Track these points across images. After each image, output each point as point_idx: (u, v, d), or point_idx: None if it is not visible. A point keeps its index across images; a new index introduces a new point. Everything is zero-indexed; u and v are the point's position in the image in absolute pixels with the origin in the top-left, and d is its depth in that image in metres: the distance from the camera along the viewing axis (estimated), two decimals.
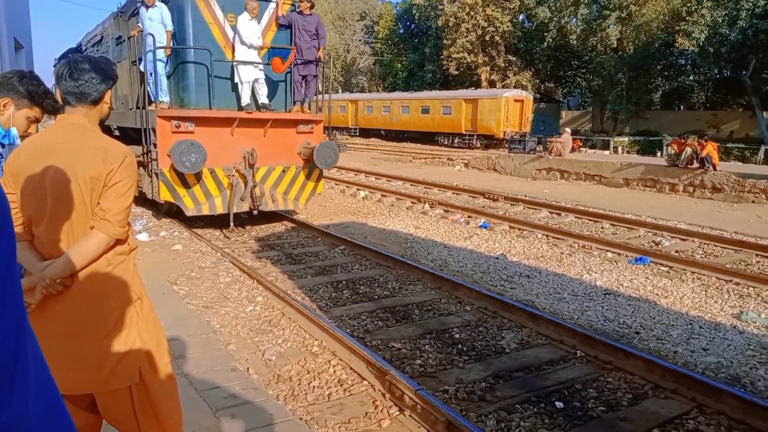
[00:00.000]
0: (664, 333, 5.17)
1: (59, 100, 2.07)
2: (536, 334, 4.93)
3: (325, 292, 6.16)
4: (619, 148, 26.95)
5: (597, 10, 32.95)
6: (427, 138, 32.76)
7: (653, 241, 9.05)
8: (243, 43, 8.41)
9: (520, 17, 39.46)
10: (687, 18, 27.55)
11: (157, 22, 8.16)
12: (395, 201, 12.53)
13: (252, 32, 8.45)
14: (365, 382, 3.98)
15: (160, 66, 8.23)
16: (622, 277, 6.95)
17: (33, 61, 15.13)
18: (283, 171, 9.09)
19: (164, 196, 8.09)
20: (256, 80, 8.68)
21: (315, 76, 9.32)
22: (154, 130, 8.01)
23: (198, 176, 8.14)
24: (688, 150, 14.55)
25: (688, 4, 28.14)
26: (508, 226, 9.88)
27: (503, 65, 38.81)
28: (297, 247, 8.14)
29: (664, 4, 30.80)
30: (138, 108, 8.76)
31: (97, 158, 1.98)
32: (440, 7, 38.64)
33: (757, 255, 8.11)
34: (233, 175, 8.42)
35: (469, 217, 10.74)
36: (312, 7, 9.17)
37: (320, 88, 9.77)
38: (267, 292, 5.91)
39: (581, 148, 23.72)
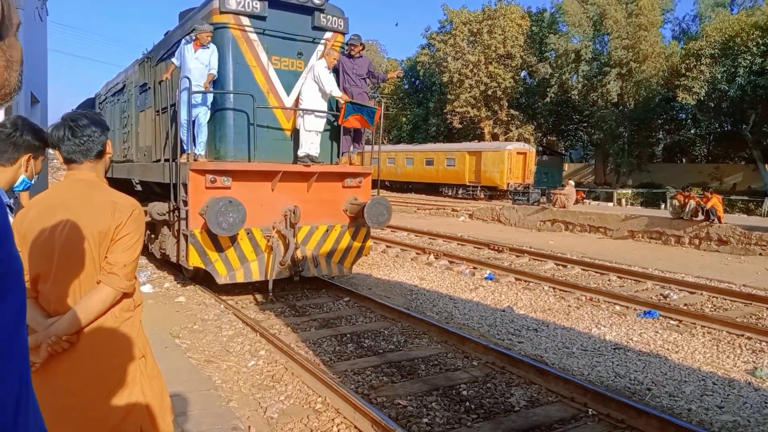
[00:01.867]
0: (677, 389, 5.03)
1: (60, 160, 2.11)
2: (546, 391, 4.80)
3: (329, 345, 6.06)
4: (623, 200, 27.04)
5: (597, 67, 33.83)
6: (432, 189, 33.03)
7: (661, 294, 8.94)
8: (318, 91, 7.73)
9: (522, 74, 40.43)
10: (686, 74, 28.16)
11: (203, 64, 7.28)
12: (400, 252, 12.49)
13: (331, 83, 7.77)
14: None
15: (202, 113, 7.36)
16: (632, 331, 6.83)
17: (47, 114, 15.47)
18: (327, 231, 8.03)
19: (194, 261, 7.08)
20: (315, 131, 7.89)
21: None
22: (184, 185, 7.11)
23: (233, 238, 7.18)
24: (692, 203, 14.58)
25: (687, 61, 28.84)
26: (513, 278, 9.80)
27: (506, 119, 39.51)
28: (301, 298, 8.06)
29: (663, 61, 31.62)
30: (167, 160, 7.83)
31: (105, 212, 1.99)
32: (444, 64, 39.69)
33: None
34: (272, 237, 7.44)
35: (474, 268, 10.68)
36: (362, 49, 8.53)
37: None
38: (270, 345, 5.81)
39: (585, 200, 23.81)
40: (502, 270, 10.37)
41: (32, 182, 2.24)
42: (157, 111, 8.81)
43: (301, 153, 7.76)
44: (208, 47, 7.26)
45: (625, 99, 33.44)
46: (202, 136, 7.38)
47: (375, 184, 8.77)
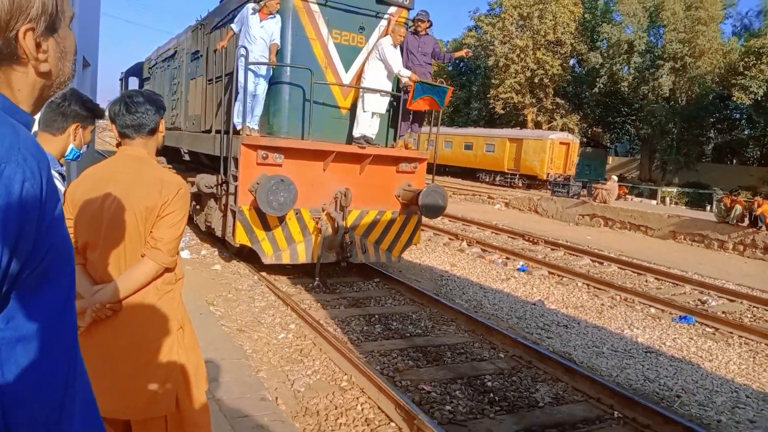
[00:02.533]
0: (708, 399, 4.93)
1: (115, 134, 2.17)
2: (572, 389, 4.76)
3: (357, 324, 6.13)
4: (667, 199, 26.26)
5: (650, 60, 32.65)
6: (469, 174, 32.74)
7: (699, 300, 8.71)
8: (383, 70, 7.37)
9: (571, 61, 39.39)
10: (744, 72, 26.98)
11: (268, 34, 6.91)
12: (432, 236, 12.47)
13: (398, 62, 7.42)
14: (392, 424, 3.91)
15: (261, 86, 7.03)
16: (665, 336, 6.69)
17: (97, 78, 15.87)
18: (378, 216, 7.68)
19: (240, 238, 6.87)
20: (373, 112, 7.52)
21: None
22: (235, 159, 6.89)
23: (281, 218, 6.92)
24: (738, 207, 14.07)
25: (746, 59, 27.59)
26: (547, 272, 9.68)
27: (551, 107, 38.66)
28: (332, 275, 8.14)
29: (720, 57, 30.30)
30: (218, 132, 7.65)
31: (153, 189, 2.05)
32: (491, 47, 38.95)
33: None
34: (322, 219, 7.17)
35: (507, 258, 10.59)
36: (430, 26, 8.06)
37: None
38: (300, 320, 5.91)
39: (627, 196, 23.22)
40: (535, 262, 10.26)
41: (81, 151, 2.32)
42: (210, 80, 8.65)
43: (356, 133, 7.43)
44: (274, 16, 6.89)
45: (677, 94, 32.26)
46: (258, 109, 7.09)
47: (430, 170, 8.37)
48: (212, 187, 7.58)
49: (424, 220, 8.40)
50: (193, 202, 8.75)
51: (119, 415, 2.08)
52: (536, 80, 37.53)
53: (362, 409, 4.13)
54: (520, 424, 4.09)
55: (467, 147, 33.24)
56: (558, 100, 38.55)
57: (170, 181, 2.11)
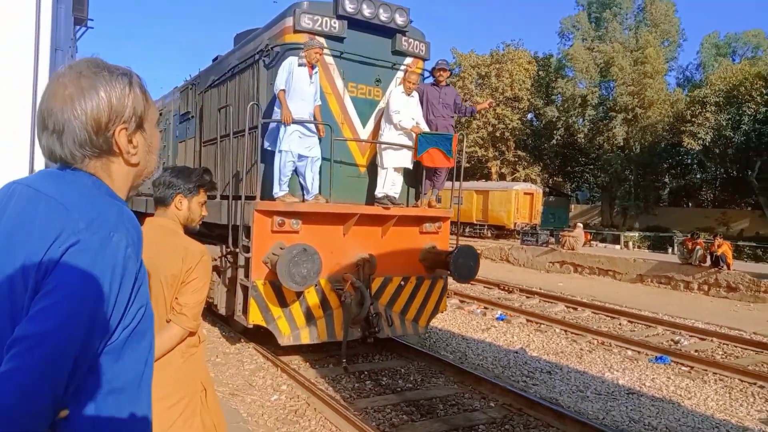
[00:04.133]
0: None
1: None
2: None
3: (348, 382, 6.18)
4: (630, 243, 27.12)
5: (603, 112, 34.48)
6: None
7: (672, 340, 9.03)
8: (397, 122, 6.73)
9: (529, 116, 41.13)
10: (692, 120, 28.66)
11: (316, 89, 6.30)
12: None
13: (411, 111, 6.87)
14: None
15: (315, 149, 6.34)
16: (644, 376, 6.92)
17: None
18: (402, 283, 6.95)
19: (254, 318, 6.03)
20: (394, 168, 6.88)
21: None
22: (246, 228, 6.23)
23: (299, 292, 6.19)
24: (699, 249, 14.73)
25: (692, 108, 29.37)
26: (525, 319, 9.91)
27: (513, 159, 40.01)
28: None
29: (668, 107, 32.23)
30: (224, 198, 6.93)
31: (177, 257, 2.21)
32: None
33: None
34: (345, 291, 6.34)
35: (486, 308, 10.80)
36: (450, 75, 7.63)
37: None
38: (291, 380, 5.94)
39: (592, 242, 23.93)
40: (513, 311, 10.49)
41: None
42: (205, 141, 8.20)
43: (379, 193, 6.79)
44: (316, 69, 6.29)
45: (631, 143, 33.95)
46: (287, 171, 6.27)
47: (452, 228, 7.75)
48: (216, 259, 6.88)
49: None
50: None
51: None
52: (497, 134, 38.95)
53: None
54: None
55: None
56: (519, 152, 39.96)
57: (193, 249, 2.27)
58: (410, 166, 7.01)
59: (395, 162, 6.81)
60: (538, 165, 40.16)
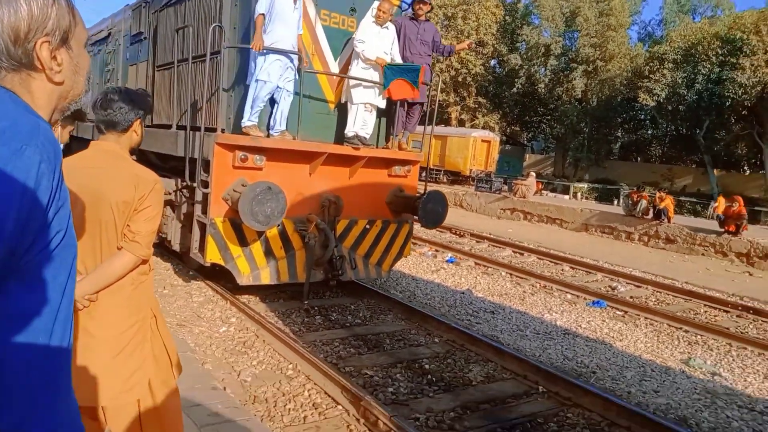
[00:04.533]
0: (619, 374, 5.48)
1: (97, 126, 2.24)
2: (501, 368, 5.17)
3: (298, 316, 6.28)
4: (579, 194, 27.98)
5: (565, 62, 34.58)
6: None
7: (609, 286, 9.50)
8: (360, 51, 6.32)
9: (492, 62, 40.87)
10: (649, 76, 29.14)
11: (298, 15, 5.87)
12: None
13: (381, 43, 6.43)
14: (339, 407, 4.12)
15: (291, 81, 5.96)
16: (581, 319, 7.30)
17: None
18: (367, 226, 6.79)
19: (212, 256, 5.82)
20: (364, 105, 6.51)
21: (422, 103, 7.21)
22: (206, 161, 5.87)
23: (261, 231, 5.91)
24: (644, 202, 15.33)
25: (651, 64, 29.80)
26: (473, 263, 10.20)
27: (473, 106, 39.96)
28: None
29: (628, 61, 32.60)
30: (181, 128, 6.52)
31: (129, 184, 2.15)
32: None
33: (705, 305, 8.62)
34: (308, 231, 6.17)
35: (437, 251, 11.04)
36: (430, 10, 7.26)
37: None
38: (240, 313, 6.00)
39: (543, 191, 24.55)
40: (462, 254, 10.76)
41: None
42: (159, 66, 7.60)
43: (349, 132, 6.47)
44: None
45: (589, 96, 34.39)
46: (260, 101, 5.87)
47: (421, 174, 7.61)
48: (169, 194, 6.57)
49: None
50: None
51: (93, 402, 2.15)
52: (460, 79, 38.67)
53: (309, 395, 4.31)
54: (456, 401, 4.43)
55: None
56: (480, 99, 39.90)
57: (145, 176, 2.21)
58: (382, 104, 6.68)
59: (365, 98, 6.44)
60: (498, 113, 40.30)
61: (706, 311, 8.42)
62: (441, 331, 5.98)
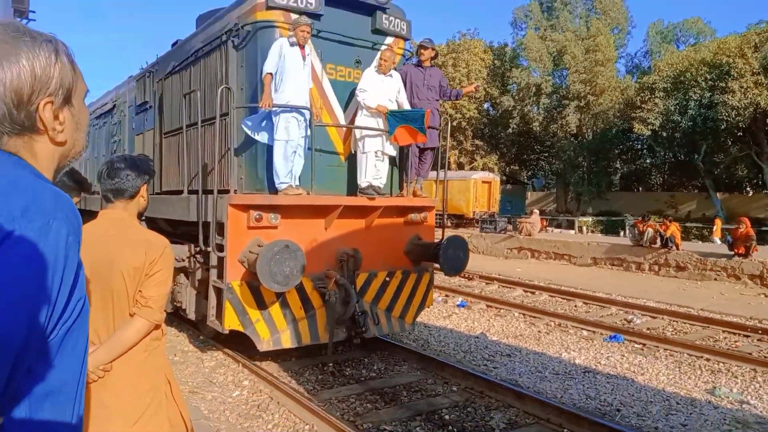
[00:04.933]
0: (644, 410, 5.33)
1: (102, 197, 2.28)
2: (523, 413, 5.03)
3: (311, 374, 6.18)
4: (584, 228, 27.90)
5: (557, 100, 35.24)
6: None
7: (625, 319, 9.35)
8: (360, 100, 6.28)
9: (485, 105, 41.64)
10: (641, 106, 29.58)
11: (308, 69, 5.87)
12: None
13: (384, 91, 6.37)
14: None
15: (281, 130, 5.78)
16: (599, 355, 7.15)
17: None
18: (387, 278, 6.54)
19: (231, 323, 5.54)
20: (375, 153, 6.37)
21: (433, 148, 7.08)
22: (220, 224, 5.67)
23: (279, 292, 5.68)
24: (650, 231, 15.26)
25: (642, 95, 30.31)
26: (485, 305, 10.09)
27: (471, 149, 40.47)
28: None
29: (618, 94, 33.18)
30: (193, 192, 6.32)
31: (139, 250, 2.17)
32: None
33: (723, 331, 8.45)
34: (328, 288, 5.86)
35: (447, 295, 10.94)
36: (435, 57, 7.21)
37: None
38: (253, 375, 5.90)
39: (547, 228, 24.51)
40: (473, 297, 10.66)
41: None
42: (166, 133, 7.62)
43: (363, 183, 6.32)
44: (308, 49, 5.92)
45: (584, 130, 34.85)
46: (282, 161, 5.81)
47: (441, 219, 7.26)
48: (183, 260, 6.32)
49: None
50: None
51: None
52: (455, 124, 39.29)
53: None
54: None
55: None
56: (477, 141, 40.44)
57: (155, 242, 2.24)
58: (392, 152, 6.59)
59: (374, 146, 6.32)
60: (495, 153, 40.76)
61: (725, 337, 8.25)
62: (458, 379, 5.85)
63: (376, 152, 6.37)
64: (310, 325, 5.99)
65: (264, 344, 5.70)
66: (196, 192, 6.16)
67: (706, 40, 37.99)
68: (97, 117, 10.99)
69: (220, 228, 5.68)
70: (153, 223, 7.35)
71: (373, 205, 6.31)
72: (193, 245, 6.29)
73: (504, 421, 4.90)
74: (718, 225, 18.04)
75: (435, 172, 7.43)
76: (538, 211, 21.69)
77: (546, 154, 40.99)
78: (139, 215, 2.36)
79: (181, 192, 6.73)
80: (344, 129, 6.51)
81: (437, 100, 7.12)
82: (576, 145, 35.01)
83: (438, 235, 7.21)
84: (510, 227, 22.52)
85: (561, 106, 34.71)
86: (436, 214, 7.26)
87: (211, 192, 5.87)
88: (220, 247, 5.65)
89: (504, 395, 5.34)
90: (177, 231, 6.89)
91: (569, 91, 34.09)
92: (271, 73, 5.68)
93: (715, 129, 27.80)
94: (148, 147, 8.17)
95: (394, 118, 6.33)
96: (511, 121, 36.63)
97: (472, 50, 38.37)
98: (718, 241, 16.83)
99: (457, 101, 37.99)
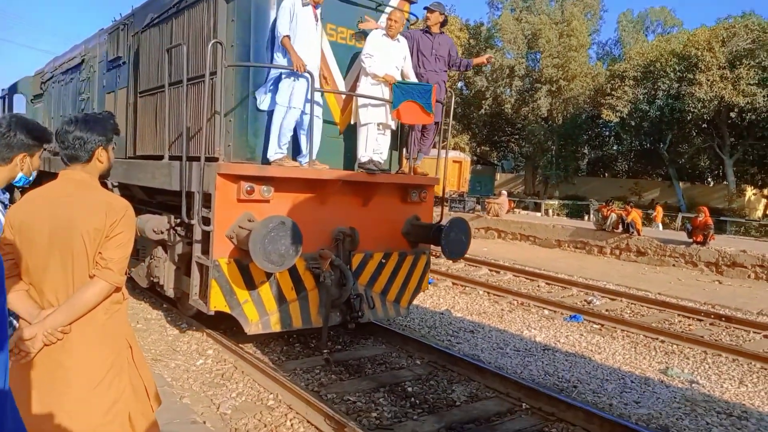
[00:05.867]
0: (600, 387, 5.51)
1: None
2: (484, 387, 5.15)
3: (277, 345, 6.18)
4: (550, 211, 28.40)
5: (529, 83, 35.40)
6: None
7: (585, 300, 9.61)
8: (367, 67, 5.74)
9: (459, 84, 41.59)
10: (611, 93, 29.99)
11: (317, 29, 5.42)
12: None
13: (391, 57, 5.84)
14: None
15: (285, 96, 5.30)
16: (559, 334, 7.35)
17: None
18: (383, 260, 6.14)
19: (217, 303, 5.09)
20: (376, 125, 5.90)
21: (437, 123, 6.55)
22: (206, 195, 5.17)
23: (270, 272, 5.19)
24: (613, 215, 15.64)
25: (612, 82, 30.70)
26: (451, 282, 10.23)
27: (443, 127, 40.49)
28: None
29: (589, 80, 33.53)
30: (175, 158, 5.76)
31: (100, 211, 2.11)
32: None
33: (679, 315, 8.77)
34: (322, 269, 5.47)
35: None
36: (445, 23, 6.58)
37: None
38: (218, 345, 5.88)
39: (515, 210, 24.86)
40: (439, 275, 10.78)
41: (31, 178, 2.32)
42: (142, 91, 6.90)
43: (363, 157, 5.85)
44: (319, 7, 5.43)
45: (554, 115, 35.17)
46: (287, 127, 5.36)
47: (439, 200, 6.99)
48: (162, 233, 5.84)
49: None
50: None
51: None
52: None
53: (292, 425, 4.23)
54: (441, 422, 4.39)
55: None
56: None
57: (116, 203, 2.18)
58: (393, 124, 6.08)
59: (376, 118, 5.82)
60: (467, 133, 40.89)
61: (680, 321, 8.57)
62: (422, 353, 5.95)
63: (378, 124, 5.88)
64: (301, 307, 5.59)
65: (252, 327, 5.29)
66: (179, 158, 5.52)
67: (672, 30, 38.61)
68: (63, 72, 10.14)
69: (206, 199, 5.18)
70: (126, 190, 6.87)
71: (373, 182, 5.89)
72: (173, 216, 5.80)
73: (465, 394, 5.01)
74: (659, 211, 20.25)
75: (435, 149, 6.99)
76: (506, 193, 21.96)
77: (516, 137, 41.29)
78: (102, 177, 2.29)
79: (160, 158, 6.10)
80: (343, 97, 5.98)
81: (444, 71, 6.60)
82: (546, 129, 35.36)
83: (437, 216, 6.81)
84: (479, 207, 22.77)
85: (533, 90, 34.91)
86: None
87: (197, 159, 5.24)
88: (206, 221, 5.17)
89: (466, 369, 5.46)
90: (154, 200, 6.43)
91: (542, 74, 34.26)
92: (288, 36, 5.18)
93: (681, 120, 28.41)
94: (120, 106, 7.51)
95: (401, 91, 5.75)
96: (483, 102, 36.70)
97: (448, 27, 38.14)
98: (661, 227, 19.42)
99: None
